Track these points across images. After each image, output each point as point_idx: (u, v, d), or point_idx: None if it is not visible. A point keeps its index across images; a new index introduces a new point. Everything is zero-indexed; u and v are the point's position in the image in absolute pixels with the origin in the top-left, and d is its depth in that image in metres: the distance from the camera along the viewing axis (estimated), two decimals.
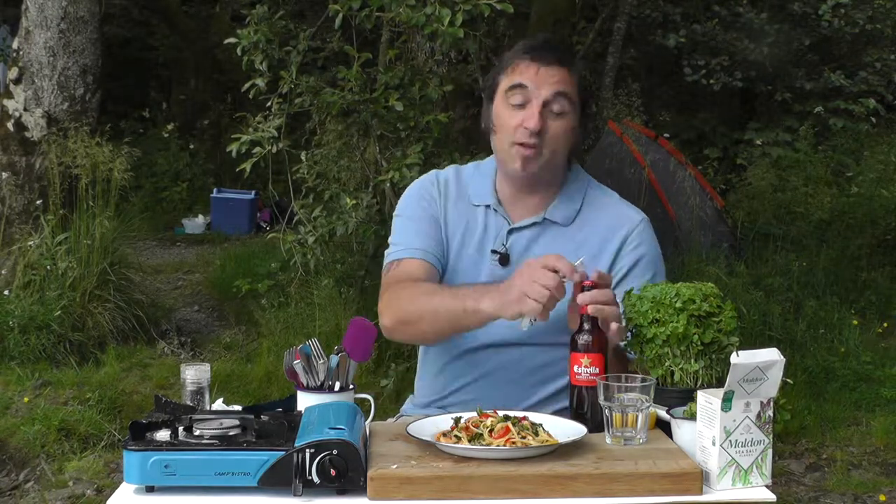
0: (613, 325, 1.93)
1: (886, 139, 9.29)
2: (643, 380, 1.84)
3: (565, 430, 1.83)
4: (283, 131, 4.89)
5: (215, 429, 1.76)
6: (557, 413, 2.02)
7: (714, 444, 1.72)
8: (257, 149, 4.84)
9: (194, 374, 1.99)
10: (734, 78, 9.80)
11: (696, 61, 9.83)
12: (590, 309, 1.92)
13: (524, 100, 2.18)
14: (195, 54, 12.54)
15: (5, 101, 6.26)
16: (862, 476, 4.58)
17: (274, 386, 5.18)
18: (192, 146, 11.11)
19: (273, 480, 1.66)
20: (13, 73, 6.27)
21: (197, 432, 1.75)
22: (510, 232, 2.26)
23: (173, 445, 1.70)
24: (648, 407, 1.84)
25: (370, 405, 2.03)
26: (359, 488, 1.67)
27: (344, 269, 5.65)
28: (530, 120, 2.16)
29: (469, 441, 1.77)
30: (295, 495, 1.66)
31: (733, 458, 1.73)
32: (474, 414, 1.87)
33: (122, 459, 1.70)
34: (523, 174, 2.22)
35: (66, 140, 5.85)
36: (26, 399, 4.90)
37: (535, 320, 1.94)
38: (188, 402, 1.97)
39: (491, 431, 1.78)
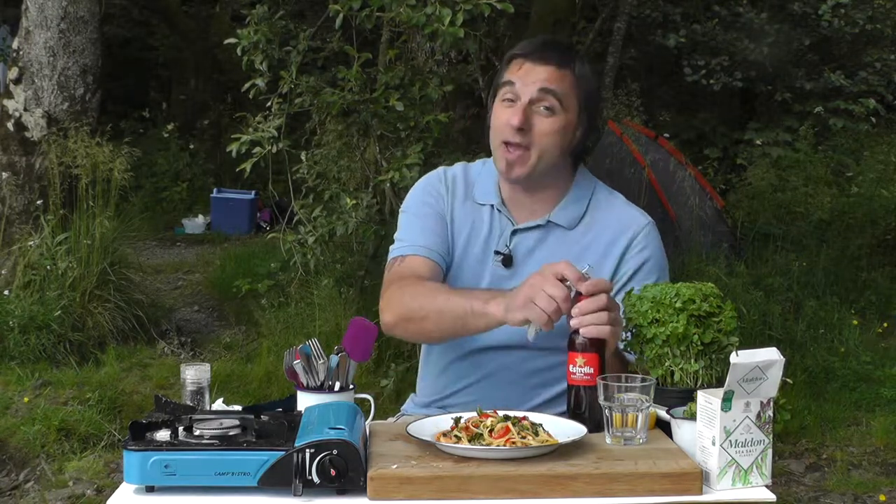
0: (609, 341, 1.93)
1: (886, 139, 9.30)
2: (643, 380, 1.84)
3: (565, 430, 1.83)
4: (283, 131, 4.89)
5: (215, 429, 1.75)
6: (558, 415, 2.01)
7: (714, 444, 1.72)
8: (257, 149, 4.84)
9: (194, 374, 1.99)
10: (734, 78, 9.80)
11: (696, 61, 9.83)
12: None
13: (514, 97, 2.19)
14: (195, 54, 12.55)
15: (5, 101, 6.26)
16: (862, 476, 4.58)
17: (274, 386, 5.18)
18: (192, 146, 11.12)
19: (273, 480, 1.66)
20: (13, 73, 6.27)
21: (197, 432, 1.75)
22: (514, 233, 2.26)
23: (173, 445, 1.70)
24: (648, 407, 1.83)
25: (370, 405, 2.03)
26: (359, 488, 1.67)
27: (344, 269, 5.65)
28: (514, 116, 2.16)
29: (469, 441, 1.76)
30: (295, 495, 1.66)
31: (733, 458, 1.73)
32: (474, 414, 1.87)
33: (122, 459, 1.70)
34: (508, 178, 2.21)
35: (66, 140, 5.85)
36: (26, 399, 4.90)
37: (540, 330, 1.94)
38: (188, 402, 1.97)
39: (491, 431, 1.78)
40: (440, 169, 2.38)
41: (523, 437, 1.76)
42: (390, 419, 2.33)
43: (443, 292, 2.15)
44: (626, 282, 2.20)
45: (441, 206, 2.30)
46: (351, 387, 1.98)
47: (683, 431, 1.83)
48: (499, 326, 2.05)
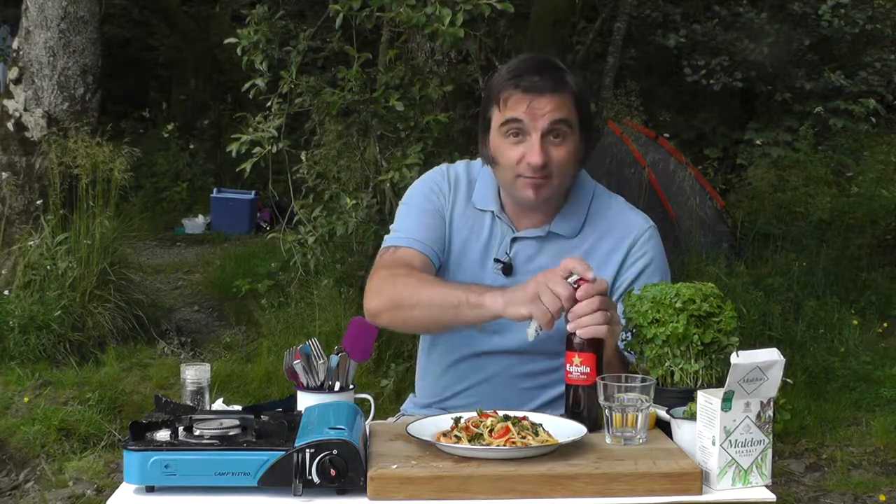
0: (607, 340, 1.92)
1: (886, 139, 9.30)
2: (643, 380, 1.84)
3: (565, 430, 1.83)
4: (283, 131, 4.89)
5: (215, 429, 1.75)
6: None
7: (714, 444, 1.72)
8: (257, 149, 4.84)
9: (194, 374, 1.99)
10: (734, 78, 9.80)
11: (696, 61, 9.83)
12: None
13: (521, 133, 2.14)
14: (195, 54, 12.55)
15: (5, 101, 6.26)
16: (862, 476, 4.58)
17: (274, 386, 5.18)
18: (192, 146, 11.12)
19: (273, 480, 1.66)
20: (13, 73, 6.27)
21: (197, 432, 1.75)
22: (514, 240, 2.25)
23: (173, 445, 1.70)
24: (648, 407, 1.83)
25: (370, 405, 2.03)
26: (359, 488, 1.67)
27: (344, 269, 5.65)
28: (533, 155, 2.12)
29: (469, 441, 1.76)
30: (295, 495, 1.66)
31: (733, 458, 1.73)
32: (474, 414, 1.87)
33: (122, 459, 1.70)
34: (537, 202, 2.19)
35: (67, 140, 5.85)
36: (26, 399, 4.90)
37: (540, 330, 1.94)
38: (188, 402, 1.97)
39: (491, 431, 1.78)
40: (444, 166, 2.37)
41: (523, 437, 1.76)
42: (390, 419, 2.33)
43: (436, 282, 2.16)
44: (628, 288, 2.19)
45: (441, 204, 2.29)
46: (351, 387, 1.98)
47: (683, 431, 1.83)
48: (491, 320, 2.04)
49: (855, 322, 6.20)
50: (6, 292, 5.60)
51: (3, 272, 5.90)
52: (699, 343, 1.89)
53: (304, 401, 1.94)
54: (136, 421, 1.78)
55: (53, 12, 6.12)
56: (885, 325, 6.45)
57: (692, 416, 1.79)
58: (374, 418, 2.03)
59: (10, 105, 6.21)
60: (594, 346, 1.92)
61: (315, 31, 5.11)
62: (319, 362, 1.96)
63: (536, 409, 2.17)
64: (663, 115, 10.67)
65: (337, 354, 1.97)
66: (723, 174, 9.03)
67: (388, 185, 4.85)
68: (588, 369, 1.91)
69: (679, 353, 1.90)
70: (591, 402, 1.90)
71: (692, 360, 1.90)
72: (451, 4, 4.26)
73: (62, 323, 5.42)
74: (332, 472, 1.65)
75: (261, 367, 5.41)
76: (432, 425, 1.86)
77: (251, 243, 8.68)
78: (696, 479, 1.70)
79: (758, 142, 9.47)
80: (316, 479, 1.66)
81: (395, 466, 1.70)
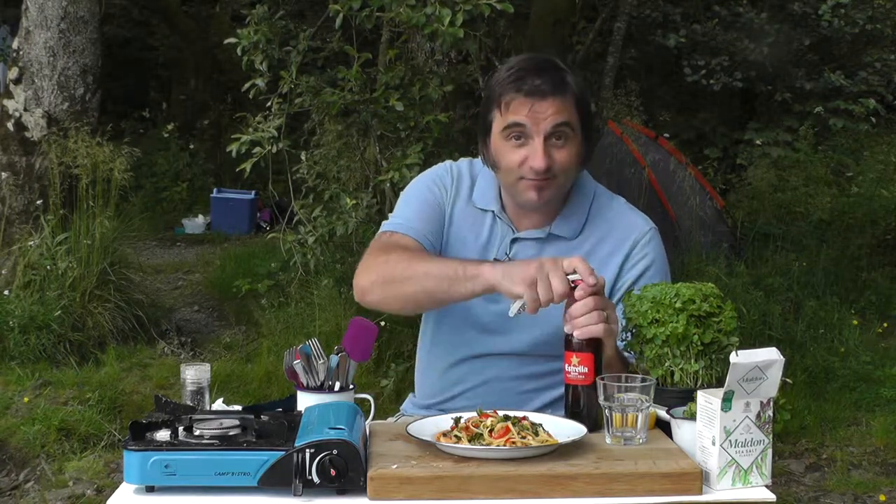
0: (605, 339, 1.92)
1: (886, 139, 9.31)
2: (643, 380, 1.84)
3: (565, 430, 1.83)
4: (283, 131, 4.89)
5: (215, 429, 1.75)
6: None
7: (714, 444, 1.72)
8: (257, 149, 4.84)
9: (194, 374, 1.99)
10: (734, 78, 9.80)
11: (696, 61, 9.83)
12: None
13: (523, 136, 2.14)
14: (195, 54, 12.55)
15: (5, 101, 6.26)
16: (862, 476, 4.58)
17: (274, 386, 5.18)
18: (192, 146, 11.12)
19: (273, 480, 1.66)
20: (13, 73, 6.27)
21: (197, 432, 1.75)
22: (514, 241, 2.25)
23: (173, 445, 1.70)
24: (648, 407, 1.83)
25: (370, 405, 2.04)
26: (359, 488, 1.67)
27: (344, 269, 5.64)
28: (536, 160, 2.12)
29: (469, 441, 1.76)
30: (295, 495, 1.66)
31: (733, 458, 1.73)
32: (474, 414, 1.87)
33: (122, 459, 1.70)
34: (540, 204, 2.19)
35: (67, 140, 5.85)
36: (26, 399, 4.90)
37: (523, 310, 1.93)
38: (188, 402, 1.97)
39: (491, 431, 1.78)
40: (447, 162, 2.37)
41: (523, 437, 1.76)
42: (390, 419, 2.33)
43: (430, 256, 2.16)
44: (628, 290, 2.18)
45: (443, 199, 2.29)
46: (351, 387, 1.98)
47: (683, 431, 1.83)
48: (484, 293, 2.03)
49: (855, 322, 6.20)
50: (6, 292, 5.60)
51: (3, 272, 5.90)
52: (699, 343, 1.89)
53: (304, 401, 1.94)
54: (136, 421, 1.78)
55: (53, 12, 6.12)
56: (885, 325, 6.45)
57: (692, 416, 1.79)
58: (374, 418, 2.03)
59: (10, 105, 6.21)
60: (592, 345, 1.92)
61: (315, 31, 5.10)
62: (319, 362, 1.96)
63: (537, 411, 2.18)
64: (663, 115, 10.67)
65: (337, 354, 1.97)
66: (723, 174, 9.03)
67: (388, 185, 4.85)
68: (586, 369, 1.91)
69: (679, 353, 1.90)
70: (591, 402, 1.90)
71: (692, 360, 1.90)
72: (451, 4, 4.26)
73: (62, 323, 5.42)
74: (332, 472, 1.65)
75: (261, 367, 5.41)
76: (432, 425, 1.86)
77: (251, 243, 8.68)
78: (696, 479, 1.70)
79: (758, 142, 9.47)
80: (316, 479, 1.66)
81: (395, 466, 1.70)
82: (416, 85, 4.88)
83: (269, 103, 4.97)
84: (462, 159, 2.38)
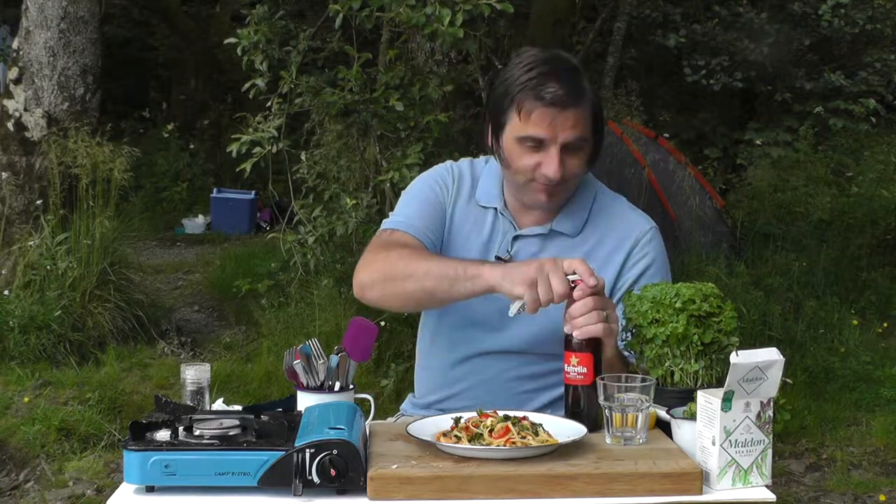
0: (605, 339, 1.92)
1: (886, 139, 9.31)
2: (643, 380, 1.84)
3: (565, 430, 1.83)
4: (283, 131, 4.89)
5: (215, 429, 1.75)
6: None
7: (714, 444, 1.72)
8: (257, 149, 4.84)
9: (194, 374, 1.99)
10: (734, 78, 9.81)
11: (696, 61, 9.84)
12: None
13: (539, 144, 2.13)
14: (195, 54, 12.55)
15: (5, 101, 6.26)
16: (862, 476, 4.58)
17: (274, 386, 5.18)
18: (192, 146, 11.12)
19: (273, 480, 1.66)
20: (13, 73, 6.27)
21: (197, 432, 1.74)
22: (516, 238, 2.25)
23: (173, 445, 1.70)
24: (648, 407, 1.83)
25: (370, 405, 2.03)
26: (359, 488, 1.67)
27: (344, 269, 5.64)
28: (551, 169, 2.12)
29: (469, 441, 1.76)
30: (295, 495, 1.66)
31: (733, 458, 1.73)
32: (474, 414, 1.87)
33: (122, 459, 1.70)
34: (549, 205, 2.20)
35: (67, 140, 5.85)
36: (26, 399, 4.90)
37: (523, 310, 1.93)
38: (188, 402, 1.97)
39: (491, 431, 1.78)
40: (448, 162, 2.37)
41: (523, 437, 1.76)
42: (390, 419, 2.33)
43: (431, 255, 2.16)
44: (629, 289, 2.18)
45: (444, 198, 2.30)
46: (351, 387, 1.98)
47: (683, 431, 1.83)
48: (484, 294, 2.03)
49: (855, 322, 6.20)
50: (6, 292, 5.60)
51: (3, 272, 5.90)
52: (699, 343, 1.89)
53: (304, 401, 1.94)
54: (136, 421, 1.78)
55: (53, 12, 6.12)
56: (885, 325, 6.45)
57: (692, 416, 1.79)
58: (374, 418, 2.03)
59: (10, 105, 6.21)
60: (591, 345, 1.92)
61: (315, 31, 5.10)
62: (319, 362, 1.96)
63: (537, 411, 2.18)
64: (663, 115, 10.67)
65: (337, 354, 1.97)
66: (723, 174, 9.04)
67: (388, 185, 4.85)
68: (585, 369, 1.91)
69: (679, 353, 1.90)
70: (590, 402, 1.90)
71: (692, 360, 1.90)
72: (451, 4, 4.26)
73: (62, 323, 5.42)
74: (332, 472, 1.65)
75: (261, 367, 5.41)
76: (432, 425, 1.86)
77: (251, 243, 8.68)
78: (696, 479, 1.70)
79: (758, 142, 9.47)
80: (316, 479, 1.66)
81: (395, 466, 1.70)
82: (416, 85, 4.88)
83: (269, 103, 4.97)
84: (462, 159, 2.38)
